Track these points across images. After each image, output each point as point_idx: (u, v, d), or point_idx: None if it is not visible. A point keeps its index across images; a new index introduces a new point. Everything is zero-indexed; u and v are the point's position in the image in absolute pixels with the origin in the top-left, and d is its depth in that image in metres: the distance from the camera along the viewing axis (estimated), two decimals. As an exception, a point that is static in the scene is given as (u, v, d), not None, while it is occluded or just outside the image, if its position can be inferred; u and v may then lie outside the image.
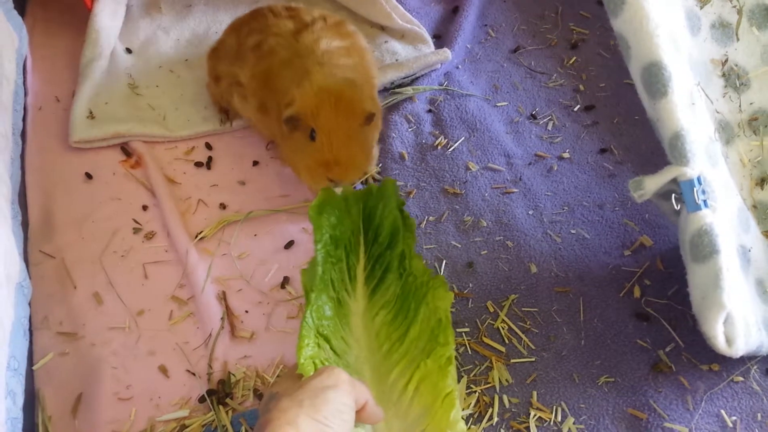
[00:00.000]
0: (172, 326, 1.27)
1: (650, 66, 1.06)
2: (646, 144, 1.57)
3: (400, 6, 1.85)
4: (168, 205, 1.42)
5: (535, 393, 1.17)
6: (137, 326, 1.27)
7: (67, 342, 1.24)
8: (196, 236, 1.39)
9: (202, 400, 1.17)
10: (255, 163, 1.54)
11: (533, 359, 1.21)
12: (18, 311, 1.17)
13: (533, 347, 1.23)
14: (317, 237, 1.16)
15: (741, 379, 1.17)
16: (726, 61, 1.33)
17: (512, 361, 1.21)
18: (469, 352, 1.22)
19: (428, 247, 1.39)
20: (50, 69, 1.73)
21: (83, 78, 1.64)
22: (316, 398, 0.82)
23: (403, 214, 1.22)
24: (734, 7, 1.33)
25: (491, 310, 1.29)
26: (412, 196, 1.48)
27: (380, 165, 1.54)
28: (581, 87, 1.72)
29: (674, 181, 1.08)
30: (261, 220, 1.44)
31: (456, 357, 1.16)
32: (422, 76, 1.73)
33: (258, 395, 1.17)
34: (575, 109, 1.67)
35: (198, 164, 1.54)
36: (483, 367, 1.20)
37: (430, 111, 1.67)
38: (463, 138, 1.59)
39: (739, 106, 1.34)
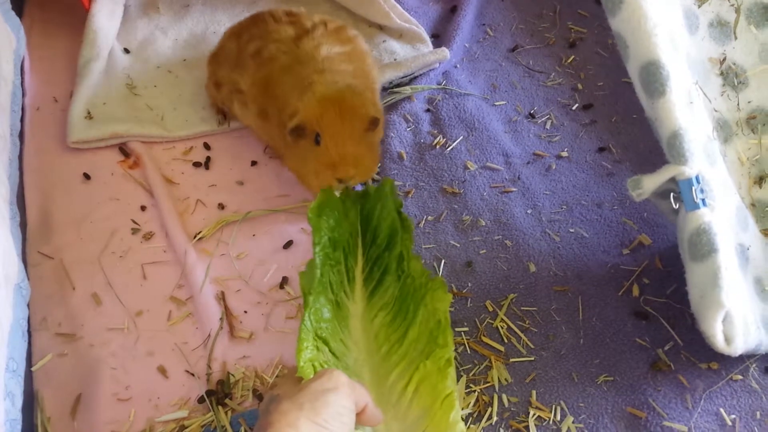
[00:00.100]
0: (170, 327, 1.27)
1: (648, 65, 1.06)
2: (644, 143, 1.57)
3: (398, 5, 1.85)
4: (166, 205, 1.42)
5: (534, 392, 1.17)
6: (136, 327, 1.26)
7: (65, 343, 1.24)
8: (195, 236, 1.39)
9: (201, 400, 1.16)
10: (253, 163, 1.54)
11: (532, 358, 1.21)
12: (16, 312, 1.17)
13: (532, 346, 1.23)
14: (316, 239, 1.15)
15: (740, 377, 1.17)
16: (724, 59, 1.33)
17: (511, 360, 1.21)
18: (468, 352, 1.22)
19: (427, 246, 1.39)
20: (48, 69, 1.73)
21: (81, 78, 1.64)
22: (316, 401, 0.82)
23: (401, 216, 1.22)
24: (732, 5, 1.33)
25: (490, 309, 1.29)
26: (410, 195, 1.48)
27: (379, 165, 1.53)
28: (579, 86, 1.72)
29: (673, 180, 1.08)
30: (259, 220, 1.43)
31: (455, 356, 1.16)
32: (420, 75, 1.73)
33: (257, 395, 1.17)
34: (573, 108, 1.67)
35: (196, 164, 1.54)
36: (482, 367, 1.20)
37: (428, 110, 1.67)
38: (461, 137, 1.59)
39: (738, 104, 1.34)
